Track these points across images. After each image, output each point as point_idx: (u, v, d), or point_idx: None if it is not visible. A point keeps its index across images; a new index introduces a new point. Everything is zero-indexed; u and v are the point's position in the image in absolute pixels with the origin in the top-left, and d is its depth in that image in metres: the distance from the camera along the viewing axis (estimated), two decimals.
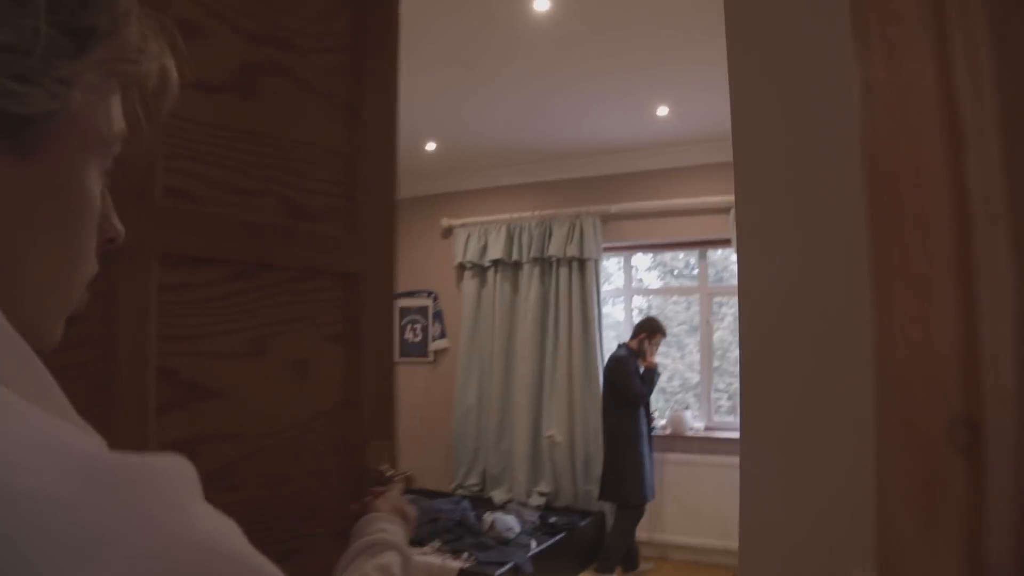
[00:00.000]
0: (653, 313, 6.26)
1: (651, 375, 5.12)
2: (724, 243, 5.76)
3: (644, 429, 5.03)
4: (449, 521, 4.97)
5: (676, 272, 6.60)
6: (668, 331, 5.41)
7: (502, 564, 4.44)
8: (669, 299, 6.49)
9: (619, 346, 5.27)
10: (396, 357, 5.17)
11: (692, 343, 6.37)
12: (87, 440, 0.39)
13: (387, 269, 1.33)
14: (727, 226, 5.55)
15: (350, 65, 1.32)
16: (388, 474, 1.28)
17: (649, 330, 5.18)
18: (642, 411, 5.06)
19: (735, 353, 6.08)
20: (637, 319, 5.76)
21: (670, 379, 6.30)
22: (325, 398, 1.26)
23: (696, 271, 6.33)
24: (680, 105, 4.88)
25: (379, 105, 1.36)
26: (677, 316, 6.41)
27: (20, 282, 0.49)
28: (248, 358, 1.19)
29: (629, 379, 5.04)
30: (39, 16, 0.45)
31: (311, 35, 1.28)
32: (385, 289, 1.34)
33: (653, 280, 6.58)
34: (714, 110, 4.94)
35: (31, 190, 0.49)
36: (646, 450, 5.00)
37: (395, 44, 1.37)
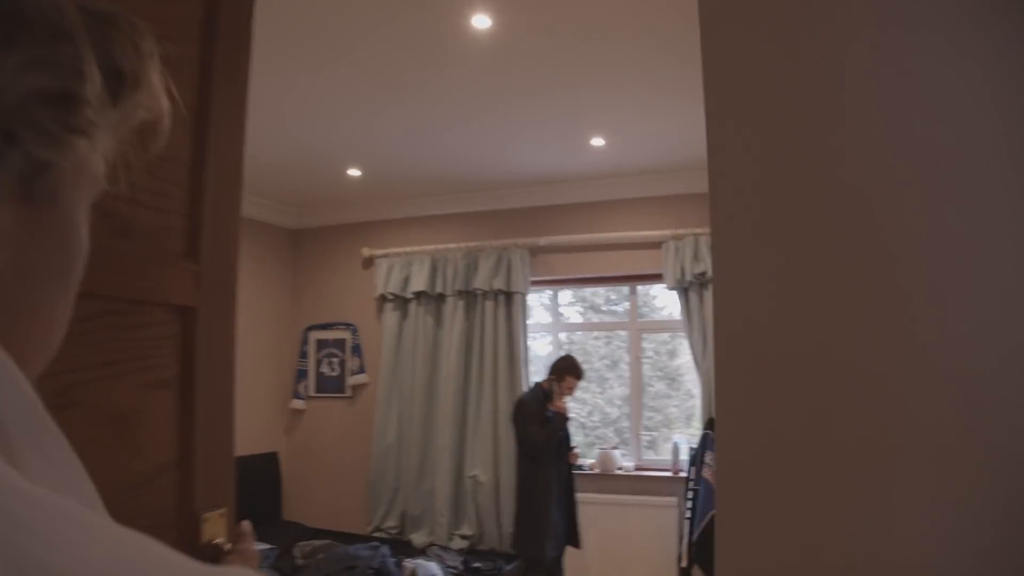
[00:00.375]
0: (573, 348, 6.11)
1: (558, 419, 4.54)
2: (655, 278, 5.66)
3: (552, 477, 4.53)
4: (367, 570, 4.65)
5: (597, 308, 6.47)
6: (588, 366, 5.08)
7: None
8: (590, 335, 6.34)
9: (532, 384, 4.89)
10: (312, 392, 4.87)
11: (613, 378, 6.23)
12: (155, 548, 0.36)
13: (229, 302, 1.10)
14: (659, 261, 5.46)
15: (196, 58, 1.10)
16: (226, 548, 1.04)
17: (559, 372, 4.64)
18: (555, 455, 4.56)
19: (655, 388, 6.00)
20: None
21: (590, 414, 6.14)
22: (149, 460, 1.01)
23: (617, 307, 6.23)
24: (616, 136, 4.75)
25: (228, 106, 1.13)
26: (598, 351, 6.26)
27: (27, 337, 0.48)
28: (53, 412, 0.95)
29: (524, 425, 4.51)
30: (91, 60, 0.44)
31: (149, 19, 1.06)
32: (227, 325, 1.11)
33: (574, 315, 6.41)
34: (650, 142, 4.85)
35: (40, 239, 0.47)
36: (552, 502, 4.50)
37: (249, 34, 1.15)
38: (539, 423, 4.51)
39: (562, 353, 5.16)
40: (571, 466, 4.70)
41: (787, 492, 1.29)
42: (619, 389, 6.20)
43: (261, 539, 5.24)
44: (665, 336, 6.04)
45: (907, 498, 1.19)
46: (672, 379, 6.12)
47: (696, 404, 5.96)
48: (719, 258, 1.47)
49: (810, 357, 1.28)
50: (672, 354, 6.15)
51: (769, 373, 1.31)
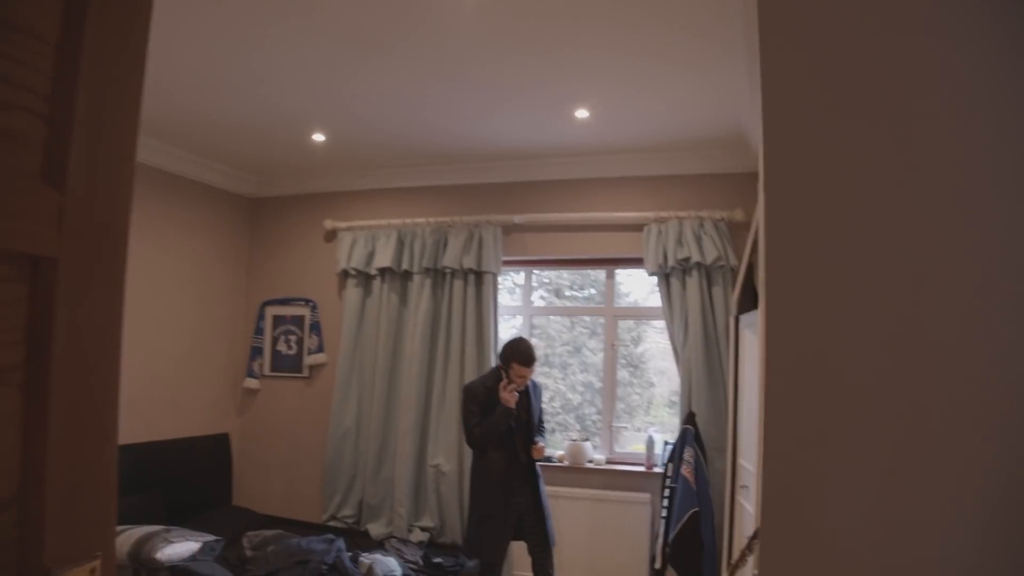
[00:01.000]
0: (536, 333, 5.80)
1: (501, 411, 4.07)
2: (634, 262, 5.37)
3: (499, 472, 4.11)
4: (321, 565, 4.31)
5: (561, 292, 6.16)
6: (551, 351, 4.55)
7: None
8: (552, 319, 6.03)
9: (491, 369, 4.43)
10: (267, 371, 4.50)
11: (575, 364, 5.95)
12: None
13: (114, 254, 0.75)
14: (639, 244, 5.17)
15: None
16: None
17: (503, 358, 4.20)
18: (505, 449, 4.14)
19: (618, 375, 5.72)
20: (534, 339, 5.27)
21: (551, 399, 5.84)
22: None
23: (582, 292, 5.95)
24: (601, 108, 4.40)
25: None
26: (561, 336, 5.97)
27: None
28: None
29: (466, 412, 4.16)
30: None
31: None
32: (110, 289, 0.75)
33: (536, 300, 6.08)
34: (637, 117, 4.53)
35: None
36: (496, 497, 4.10)
37: None
38: (482, 412, 4.13)
39: (514, 336, 4.63)
40: (533, 461, 4.26)
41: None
42: (581, 376, 5.94)
43: (208, 527, 4.88)
44: (630, 323, 5.76)
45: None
46: (635, 366, 5.86)
47: (655, 393, 5.71)
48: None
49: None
50: (636, 341, 5.88)
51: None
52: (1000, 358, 1.12)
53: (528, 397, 4.29)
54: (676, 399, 5.54)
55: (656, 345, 5.82)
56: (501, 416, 4.08)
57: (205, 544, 4.36)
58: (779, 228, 1.24)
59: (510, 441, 4.17)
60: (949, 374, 1.14)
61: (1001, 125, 1.16)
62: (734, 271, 4.90)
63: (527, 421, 4.26)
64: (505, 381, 4.14)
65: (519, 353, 4.16)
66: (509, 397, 4.09)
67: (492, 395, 4.14)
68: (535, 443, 4.24)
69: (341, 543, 4.64)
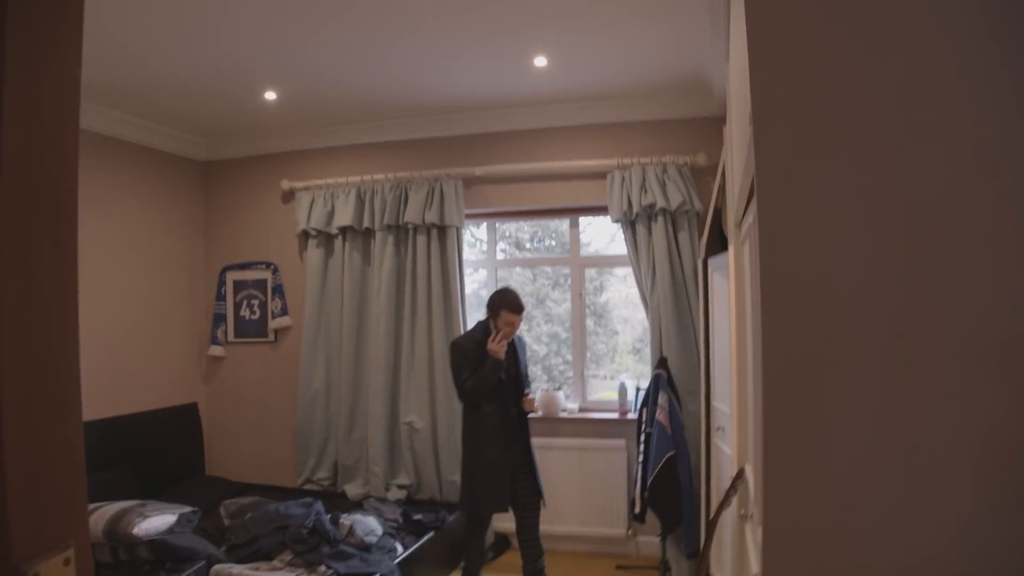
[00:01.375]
0: (498, 286, 5.78)
1: (490, 363, 4.05)
2: (599, 211, 5.33)
3: (491, 426, 4.09)
4: (301, 529, 4.28)
5: (522, 245, 6.12)
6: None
7: None
8: (514, 271, 5.99)
9: (476, 324, 4.35)
10: (231, 337, 4.42)
11: (539, 315, 5.95)
12: None
13: (65, 219, 0.68)
14: (603, 192, 5.13)
15: None
16: None
17: (492, 307, 4.19)
18: (497, 402, 4.11)
19: (583, 323, 5.73)
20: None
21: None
22: None
23: (543, 243, 5.91)
24: (560, 56, 4.30)
25: None
26: (523, 289, 5.94)
27: None
28: None
29: (456, 368, 4.13)
30: None
31: None
32: (62, 254, 0.68)
33: (497, 252, 6.03)
34: (596, 64, 4.44)
35: None
36: (493, 453, 4.08)
37: None
38: (472, 367, 4.10)
39: (499, 287, 4.69)
40: (523, 413, 4.24)
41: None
42: (546, 327, 5.95)
43: (184, 499, 4.82)
44: (593, 272, 5.75)
45: None
46: (599, 316, 5.87)
47: (620, 341, 5.74)
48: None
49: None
50: (600, 290, 5.88)
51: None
52: (1000, 279, 1.11)
53: (515, 351, 4.27)
54: (640, 346, 5.58)
55: (619, 294, 5.83)
56: (491, 368, 4.05)
57: (182, 516, 4.30)
58: (770, 145, 1.22)
59: (502, 395, 4.15)
60: (949, 295, 1.13)
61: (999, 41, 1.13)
62: (699, 216, 4.89)
63: (516, 375, 4.24)
64: (494, 332, 4.11)
65: (508, 302, 4.14)
66: (498, 349, 4.07)
67: (480, 350, 4.11)
68: (525, 394, 4.23)
69: (319, 506, 4.61)
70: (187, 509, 4.38)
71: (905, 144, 1.15)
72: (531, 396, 4.24)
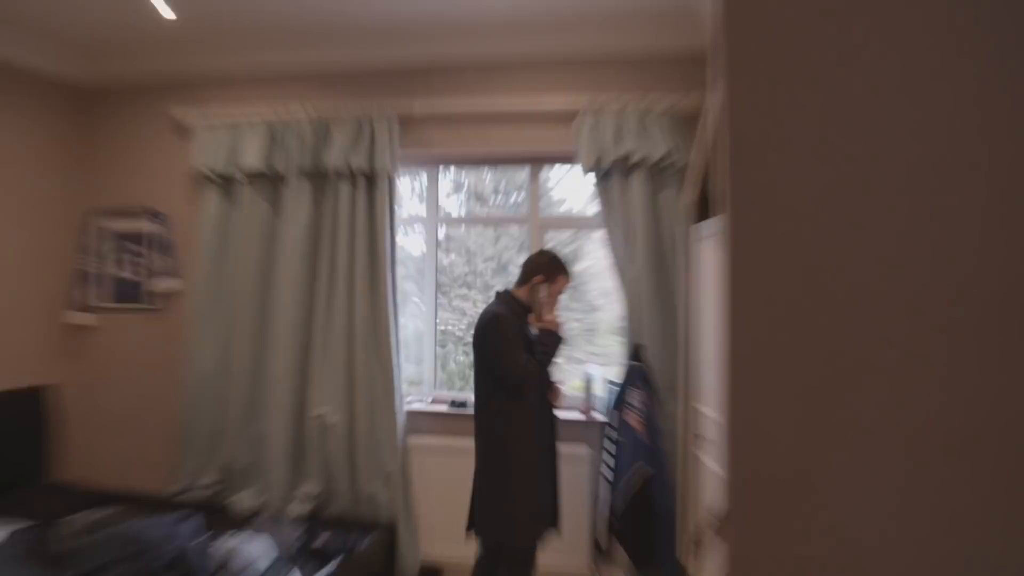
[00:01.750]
0: (451, 246, 4.75)
1: (551, 340, 3.25)
2: (563, 159, 4.34)
3: (537, 426, 3.19)
4: (163, 555, 3.23)
5: (484, 199, 5.04)
6: (471, 269, 3.56)
7: None
8: (473, 230, 4.93)
9: (496, 295, 3.39)
10: (99, 302, 3.25)
11: (500, 283, 4.90)
12: None
13: None
14: (568, 138, 4.14)
15: None
16: None
17: (548, 271, 3.34)
18: (537, 393, 3.21)
19: None
20: (444, 255, 4.20)
21: (468, 327, 4.81)
22: None
23: (512, 197, 4.86)
24: None
25: None
26: (483, 251, 4.91)
27: None
28: None
29: (507, 350, 3.13)
30: None
31: None
32: None
33: (452, 207, 4.96)
34: None
35: None
36: (541, 456, 3.20)
37: None
38: (524, 348, 3.20)
39: (541, 248, 3.96)
40: (552, 408, 3.32)
41: None
42: None
43: (17, 511, 3.73)
44: (567, 236, 4.72)
45: None
46: (574, 287, 4.84)
47: (600, 318, 4.75)
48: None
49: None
50: (575, 257, 4.85)
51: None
52: (1006, 251, 1.08)
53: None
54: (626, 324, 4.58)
55: (600, 262, 4.79)
56: (554, 347, 3.26)
57: (13, 534, 3.25)
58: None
59: (541, 383, 3.27)
60: (953, 267, 1.09)
61: None
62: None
63: None
64: (540, 303, 3.29)
65: (563, 264, 3.39)
66: (556, 320, 3.30)
67: (524, 325, 3.27)
68: (551, 384, 3.34)
69: (195, 523, 3.56)
70: (20, 525, 3.32)
71: (909, 111, 1.12)
72: (559, 386, 3.38)
